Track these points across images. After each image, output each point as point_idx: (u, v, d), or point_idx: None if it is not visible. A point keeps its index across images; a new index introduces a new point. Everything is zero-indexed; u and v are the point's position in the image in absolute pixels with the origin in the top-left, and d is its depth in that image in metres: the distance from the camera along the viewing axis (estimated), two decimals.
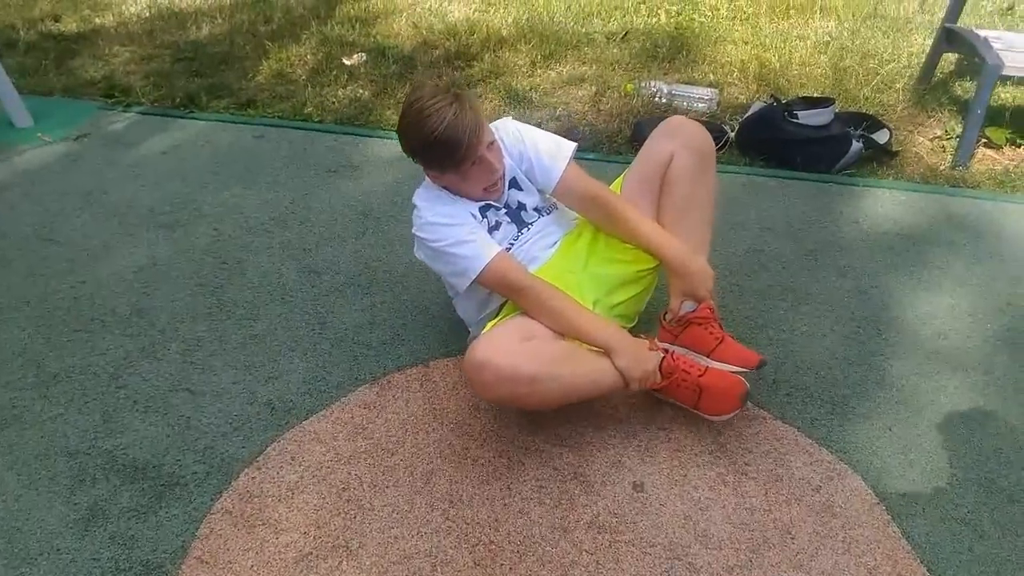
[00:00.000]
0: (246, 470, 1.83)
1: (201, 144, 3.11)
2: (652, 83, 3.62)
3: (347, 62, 3.88)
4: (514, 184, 1.97)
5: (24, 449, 1.87)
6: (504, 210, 1.96)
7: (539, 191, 1.99)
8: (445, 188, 1.90)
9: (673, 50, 4.05)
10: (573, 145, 1.97)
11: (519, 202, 1.99)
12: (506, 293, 1.87)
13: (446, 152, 1.76)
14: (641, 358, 1.83)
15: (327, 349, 2.17)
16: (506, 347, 1.68)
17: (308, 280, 2.41)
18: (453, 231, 1.83)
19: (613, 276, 1.99)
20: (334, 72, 3.73)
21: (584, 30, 4.31)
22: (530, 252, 1.97)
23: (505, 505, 1.76)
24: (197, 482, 1.80)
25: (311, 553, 1.66)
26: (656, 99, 3.57)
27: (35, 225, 2.61)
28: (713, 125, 3.26)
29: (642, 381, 1.82)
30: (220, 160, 3.01)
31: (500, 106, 3.52)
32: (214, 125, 3.25)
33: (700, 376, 1.85)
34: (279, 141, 3.15)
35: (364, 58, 3.93)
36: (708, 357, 1.95)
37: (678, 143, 1.92)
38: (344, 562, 1.64)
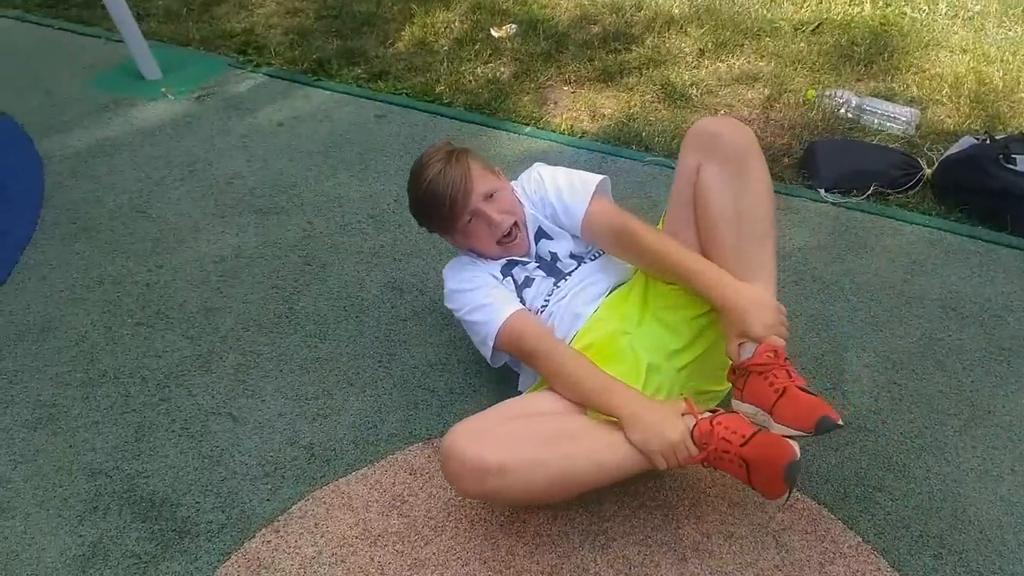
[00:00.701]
0: (264, 531, 1.62)
1: (320, 119, 2.91)
2: (839, 92, 3.03)
3: (495, 34, 3.54)
4: (542, 234, 1.77)
5: (49, 458, 1.74)
6: (535, 263, 1.75)
7: (573, 237, 1.74)
8: (469, 252, 1.79)
9: (872, 51, 3.40)
10: (599, 178, 1.73)
11: (551, 252, 1.75)
12: (523, 360, 1.64)
13: (434, 209, 1.69)
14: (662, 427, 1.44)
15: (388, 389, 1.91)
16: (478, 431, 1.42)
17: (389, 298, 2.15)
18: (470, 296, 1.70)
19: (673, 331, 1.61)
20: (478, 45, 3.41)
21: (769, 15, 3.73)
22: (570, 308, 1.66)
23: None
24: (210, 535, 1.60)
25: None
26: (841, 113, 2.99)
27: (133, 194, 2.51)
28: (904, 156, 2.66)
29: (668, 456, 1.43)
30: (335, 140, 2.79)
31: (652, 101, 3.07)
32: (339, 97, 3.03)
33: (743, 446, 1.40)
34: (401, 123, 2.89)
35: (514, 30, 3.57)
36: (771, 416, 1.47)
37: (702, 151, 1.55)
38: None
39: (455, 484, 1.42)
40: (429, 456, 1.76)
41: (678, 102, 3.08)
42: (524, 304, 1.72)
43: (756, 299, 1.48)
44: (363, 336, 2.04)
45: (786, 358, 1.47)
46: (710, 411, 1.49)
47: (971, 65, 3.26)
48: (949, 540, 1.60)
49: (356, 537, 1.61)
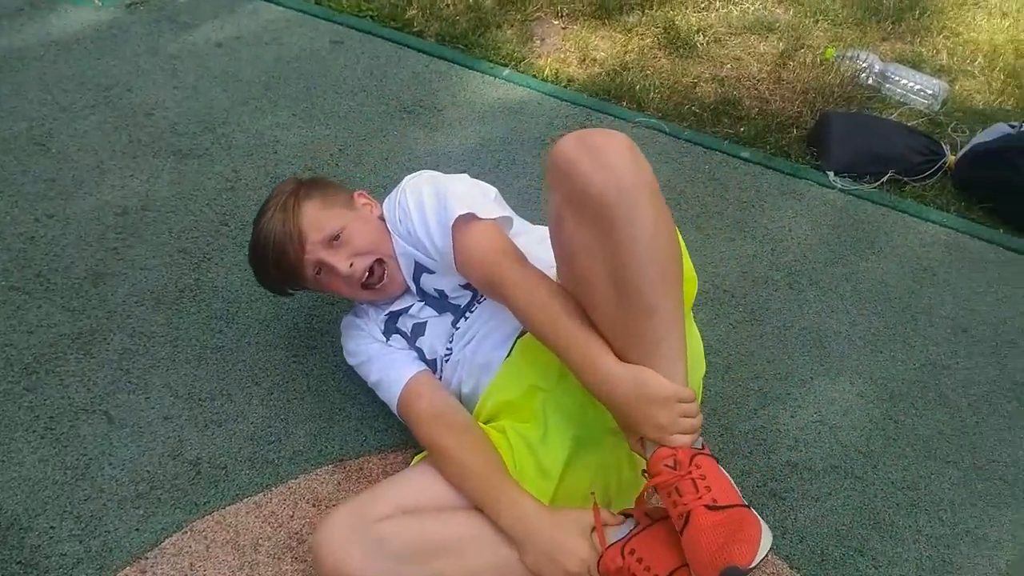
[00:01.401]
0: (127, 570, 1.34)
1: (266, 41, 2.50)
2: (861, 55, 2.65)
3: None
4: (421, 269, 1.43)
5: None
6: (420, 301, 1.45)
7: None
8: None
9: (903, 5, 2.98)
10: (465, 206, 1.30)
11: (436, 289, 1.44)
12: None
13: (266, 271, 1.44)
14: (559, 553, 1.16)
15: (300, 392, 1.61)
16: (342, 530, 1.17)
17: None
18: (363, 370, 1.47)
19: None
20: None
21: None
22: (477, 356, 1.35)
23: None
24: (60, 571, 1.32)
25: None
26: (861, 79, 2.61)
27: (34, 121, 2.12)
28: (926, 139, 2.31)
29: None
30: (280, 69, 2.39)
31: (652, 48, 2.68)
32: (292, 16, 2.61)
33: None
34: (360, 53, 2.48)
35: None
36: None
37: (560, 191, 1.11)
38: None
39: None
40: (338, 483, 1.47)
41: (681, 51, 2.68)
42: (425, 355, 1.42)
43: (642, 392, 1.10)
44: (279, 321, 1.72)
45: (697, 452, 1.11)
46: (634, 516, 1.19)
47: (1011, 33, 2.87)
48: None
49: None
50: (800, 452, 1.59)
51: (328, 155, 2.13)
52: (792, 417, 1.65)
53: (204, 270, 1.80)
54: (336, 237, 1.39)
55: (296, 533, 1.40)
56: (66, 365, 1.60)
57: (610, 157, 1.04)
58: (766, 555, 1.04)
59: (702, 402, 1.44)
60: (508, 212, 1.41)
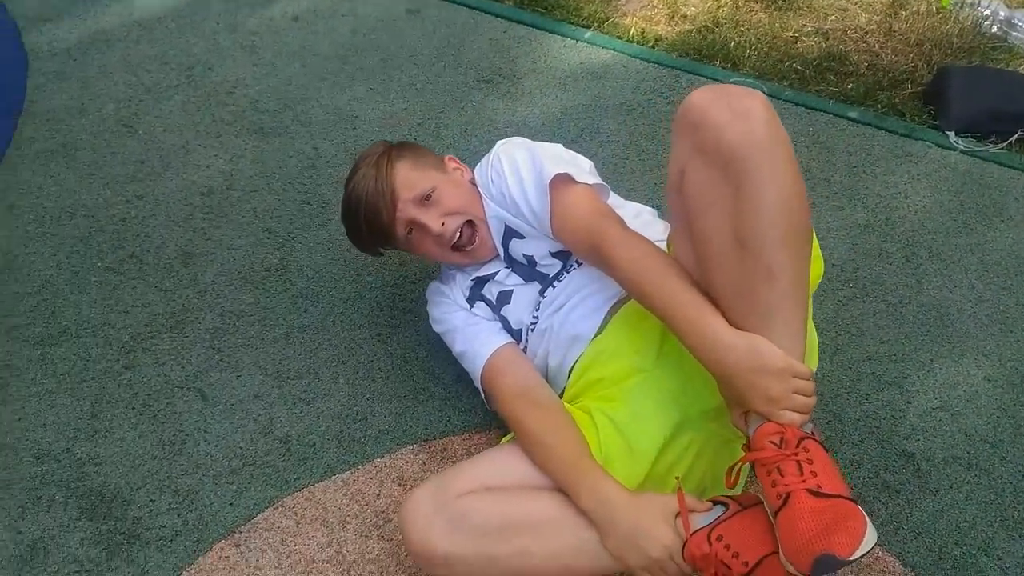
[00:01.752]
0: (222, 543, 1.45)
1: (343, 13, 2.59)
2: (984, 0, 2.54)
3: None
4: (511, 234, 1.49)
5: None
6: (507, 268, 1.50)
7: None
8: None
9: None
10: (571, 164, 1.40)
11: (525, 255, 1.48)
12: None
13: (359, 229, 1.52)
14: (642, 538, 1.18)
15: (385, 371, 1.69)
16: (426, 506, 1.24)
17: (397, 252, 1.89)
18: (447, 338, 1.55)
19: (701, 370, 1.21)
20: None
21: None
22: (566, 327, 1.39)
23: None
24: (161, 543, 1.45)
25: None
26: (984, 27, 2.50)
27: (121, 103, 2.28)
28: None
29: (653, 573, 1.19)
30: (357, 41, 2.48)
31: (748, 2, 2.64)
32: None
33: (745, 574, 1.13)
34: (436, 21, 2.55)
35: None
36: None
37: (689, 144, 1.13)
38: None
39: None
40: (423, 463, 1.56)
41: (779, 2, 2.64)
42: (511, 325, 1.47)
43: (755, 362, 1.10)
44: (362, 300, 1.81)
45: (806, 436, 1.11)
46: (723, 502, 1.20)
47: None
48: None
49: (327, 561, 1.43)
50: (918, 441, 1.58)
51: (407, 129, 2.20)
52: (909, 403, 1.63)
53: (288, 249, 1.91)
54: (428, 196, 1.46)
55: (382, 512, 1.49)
56: (161, 344, 1.74)
57: (749, 108, 1.07)
58: (868, 551, 1.03)
59: None
60: (603, 184, 1.45)
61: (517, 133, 2.17)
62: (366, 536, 1.46)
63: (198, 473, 1.54)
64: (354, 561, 1.43)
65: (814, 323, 1.72)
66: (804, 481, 1.07)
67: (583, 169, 1.45)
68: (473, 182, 1.55)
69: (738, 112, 1.06)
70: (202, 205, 2.01)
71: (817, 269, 1.29)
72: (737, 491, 1.30)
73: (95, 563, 1.43)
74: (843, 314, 1.79)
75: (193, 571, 1.42)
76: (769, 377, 1.10)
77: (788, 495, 1.07)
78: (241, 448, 1.58)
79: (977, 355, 1.72)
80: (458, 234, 1.47)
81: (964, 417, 1.62)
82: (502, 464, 1.33)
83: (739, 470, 1.19)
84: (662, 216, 1.58)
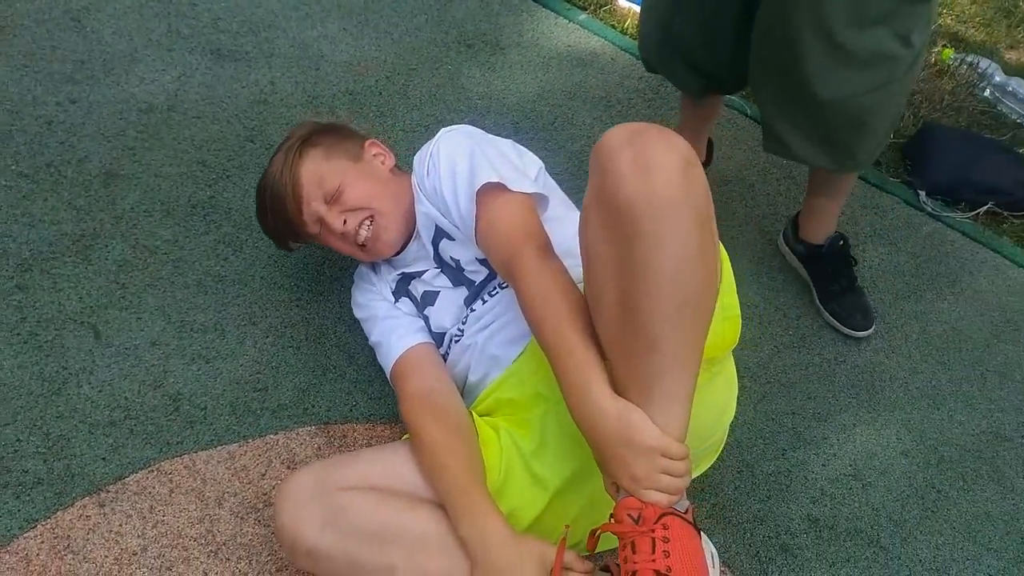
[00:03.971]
0: (86, 500, 1.32)
1: None
2: (981, 62, 2.44)
3: None
4: (441, 234, 1.35)
5: None
6: (436, 268, 1.38)
7: None
8: None
9: None
10: (512, 168, 1.28)
11: (452, 258, 1.36)
12: None
13: (269, 225, 1.43)
14: None
15: (297, 340, 1.56)
16: (304, 491, 1.15)
17: None
18: (367, 326, 1.45)
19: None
20: None
21: None
22: (490, 347, 1.29)
23: None
24: (20, 489, 1.31)
25: None
26: (977, 89, 2.41)
27: None
28: None
29: None
30: None
31: None
32: None
33: None
34: None
35: None
36: None
37: (593, 186, 1.00)
38: None
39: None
40: (318, 448, 1.43)
41: None
42: (431, 327, 1.37)
43: (624, 435, 1.00)
44: (288, 258, 1.67)
45: (668, 512, 1.01)
46: (610, 570, 1.09)
47: None
48: None
49: (195, 539, 1.31)
50: (824, 507, 1.51)
51: (373, 81, 2.03)
52: (823, 466, 1.56)
53: (221, 188, 1.75)
54: (338, 192, 1.35)
55: (264, 494, 1.37)
56: (62, 268, 1.57)
57: (657, 161, 0.92)
58: None
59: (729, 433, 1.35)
60: (546, 190, 1.32)
61: (488, 107, 2.03)
62: (242, 518, 1.34)
63: (74, 418, 1.40)
64: (224, 543, 1.31)
65: (744, 367, 1.65)
66: (654, 561, 0.98)
67: (526, 174, 1.32)
68: (395, 170, 1.44)
69: (642, 164, 0.92)
70: (137, 122, 1.83)
71: (732, 329, 1.17)
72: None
73: None
74: (777, 361, 1.70)
75: (49, 526, 1.28)
76: (637, 454, 1.00)
77: (634, 573, 0.98)
78: (126, 399, 1.43)
79: (900, 427, 1.65)
80: (363, 232, 1.36)
81: (875, 490, 1.55)
82: (392, 463, 1.23)
83: (599, 536, 1.09)
84: None
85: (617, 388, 1.02)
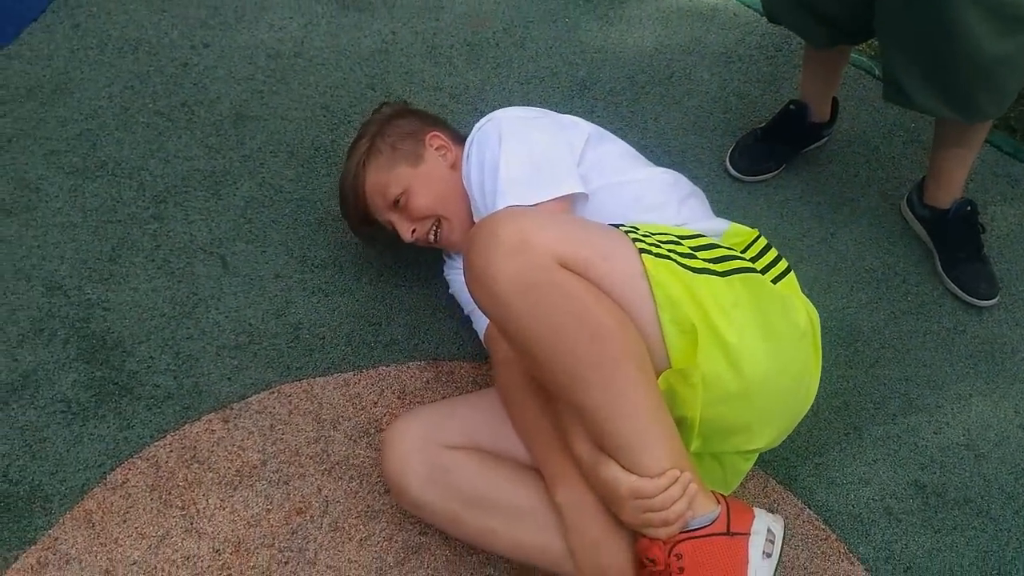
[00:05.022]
0: (211, 416, 1.41)
1: None
2: None
3: None
4: None
5: (11, 255, 1.56)
6: None
7: None
8: None
9: None
10: (552, 164, 1.24)
11: None
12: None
13: (347, 219, 1.49)
14: (602, 546, 1.10)
15: (411, 280, 1.62)
16: (410, 443, 1.18)
17: None
18: (459, 299, 1.49)
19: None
20: None
21: None
22: None
23: None
24: (151, 402, 1.41)
25: None
26: None
27: None
28: None
29: None
30: None
31: None
32: None
33: None
34: None
35: None
36: None
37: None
38: None
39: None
40: (427, 381, 1.48)
41: None
42: None
43: (603, 491, 1.07)
44: None
45: (681, 539, 1.02)
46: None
47: None
48: None
49: (311, 457, 1.38)
50: (934, 474, 1.46)
51: (491, 33, 2.05)
52: (935, 434, 1.51)
53: (342, 133, 1.80)
54: (397, 201, 1.38)
55: (376, 420, 1.42)
56: (194, 202, 1.66)
57: (478, 260, 0.98)
58: None
59: (816, 395, 1.28)
60: (595, 161, 1.30)
61: (604, 61, 2.02)
62: (355, 440, 1.40)
63: (203, 340, 1.49)
64: (337, 462, 1.38)
65: (857, 331, 1.60)
66: None
67: (560, 162, 1.25)
68: (459, 163, 1.40)
69: (474, 272, 0.99)
70: (266, 67, 1.90)
71: (689, 347, 1.05)
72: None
73: (83, 407, 1.39)
74: (892, 327, 1.65)
75: (178, 436, 1.38)
76: (618, 504, 1.04)
77: None
78: (251, 325, 1.51)
79: (1019, 401, 1.57)
80: (432, 237, 1.40)
81: (988, 461, 1.49)
82: (501, 426, 1.24)
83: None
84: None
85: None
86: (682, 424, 1.08)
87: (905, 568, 1.36)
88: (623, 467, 1.02)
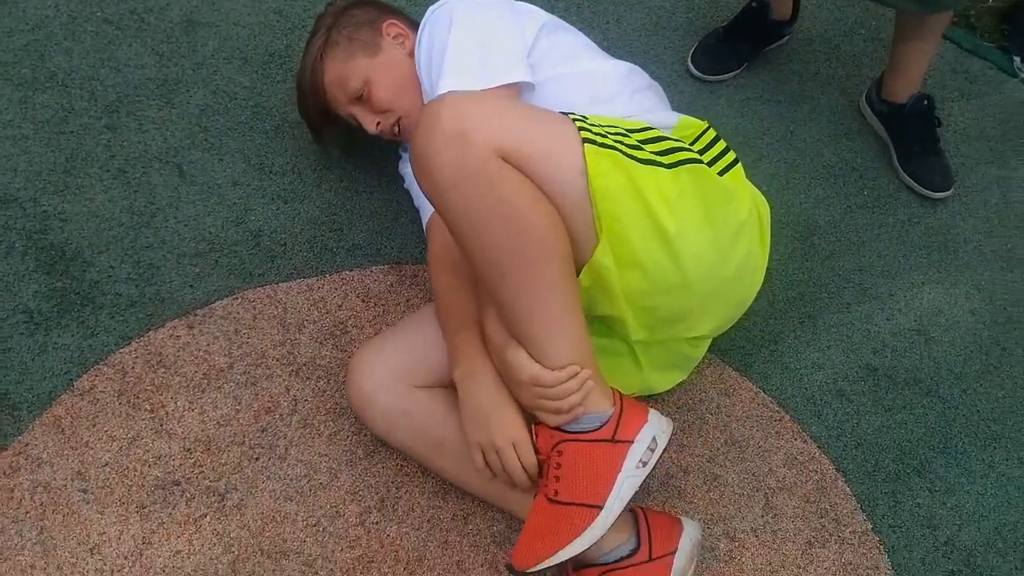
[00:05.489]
0: (175, 322, 1.41)
1: None
2: None
3: None
4: None
5: None
6: None
7: None
8: None
9: None
10: (486, 52, 1.20)
11: None
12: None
13: (304, 117, 1.48)
14: (492, 417, 1.12)
15: (372, 184, 1.61)
16: (373, 373, 1.21)
17: None
18: (413, 192, 1.49)
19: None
20: None
21: None
22: None
23: None
24: (114, 310, 1.41)
25: (180, 483, 1.26)
26: None
27: None
28: None
29: (488, 453, 1.13)
30: None
31: None
32: None
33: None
34: None
35: None
36: None
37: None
38: (211, 514, 1.24)
39: None
40: (391, 284, 1.49)
41: None
42: None
43: (506, 373, 1.11)
44: None
45: (567, 438, 1.08)
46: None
47: None
48: (978, 559, 1.31)
49: (277, 359, 1.39)
50: (885, 358, 1.51)
51: None
52: (888, 320, 1.55)
53: (296, 37, 1.77)
54: (359, 94, 1.36)
55: (341, 323, 1.44)
56: (147, 111, 1.63)
57: (420, 144, 0.98)
58: (553, 565, 1.03)
59: (772, 286, 1.32)
60: (548, 48, 1.28)
61: None
62: (320, 343, 1.42)
63: (163, 249, 1.48)
64: (304, 364, 1.39)
65: (814, 225, 1.63)
66: (546, 486, 1.07)
67: (516, 47, 1.23)
68: (396, 59, 1.38)
69: (419, 160, 0.99)
70: None
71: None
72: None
73: (45, 317, 1.39)
74: (848, 220, 1.68)
75: (143, 343, 1.38)
76: (517, 387, 1.09)
77: (535, 495, 1.10)
78: (211, 233, 1.51)
79: (970, 287, 1.62)
80: (396, 129, 1.38)
81: (938, 345, 1.54)
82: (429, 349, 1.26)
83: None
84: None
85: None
86: (615, 318, 1.14)
87: (856, 445, 1.42)
88: (529, 355, 1.06)
